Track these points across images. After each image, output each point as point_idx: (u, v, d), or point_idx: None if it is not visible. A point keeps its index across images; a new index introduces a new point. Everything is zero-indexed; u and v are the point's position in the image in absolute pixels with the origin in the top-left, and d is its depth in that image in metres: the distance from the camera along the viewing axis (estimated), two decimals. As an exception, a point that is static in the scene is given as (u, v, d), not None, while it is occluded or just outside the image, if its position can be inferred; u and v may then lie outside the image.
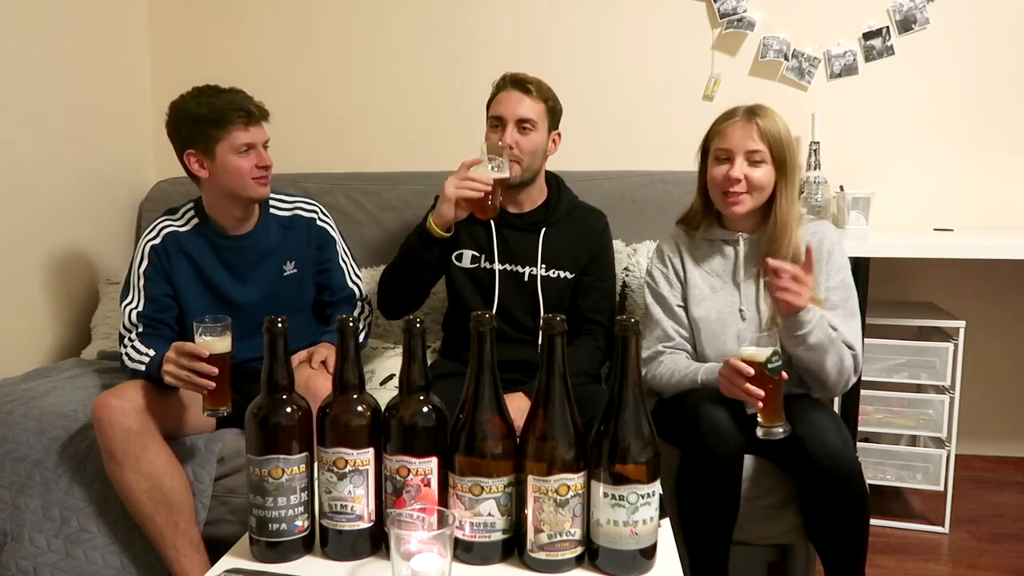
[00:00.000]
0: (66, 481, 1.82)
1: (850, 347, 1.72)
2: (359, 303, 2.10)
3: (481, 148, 1.87)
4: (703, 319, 1.83)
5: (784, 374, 1.52)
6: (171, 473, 1.75)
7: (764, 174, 1.74)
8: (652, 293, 1.90)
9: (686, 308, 1.86)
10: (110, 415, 1.71)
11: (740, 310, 1.81)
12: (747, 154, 1.73)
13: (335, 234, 2.09)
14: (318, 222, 2.05)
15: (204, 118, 1.83)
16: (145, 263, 1.93)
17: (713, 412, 1.63)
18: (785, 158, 1.74)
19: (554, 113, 2.01)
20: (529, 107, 1.95)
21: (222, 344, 1.60)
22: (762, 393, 1.51)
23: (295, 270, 2.00)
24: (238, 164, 1.85)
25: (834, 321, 1.71)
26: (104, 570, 1.78)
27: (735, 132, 1.75)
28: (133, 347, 1.85)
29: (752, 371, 1.51)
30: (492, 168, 1.83)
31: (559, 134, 2.05)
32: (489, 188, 1.82)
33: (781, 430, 1.52)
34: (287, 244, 2.00)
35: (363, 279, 2.16)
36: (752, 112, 1.75)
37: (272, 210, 2.01)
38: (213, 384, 1.60)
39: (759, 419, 1.55)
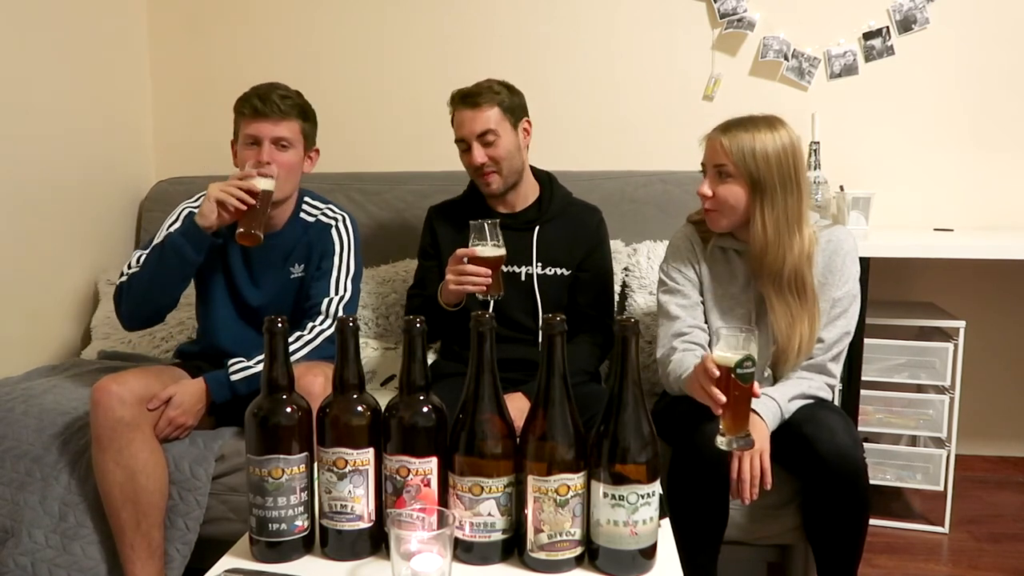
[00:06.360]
0: (65, 477, 1.82)
1: (829, 377, 1.74)
2: (322, 316, 1.91)
3: (472, 228, 1.75)
4: (716, 331, 1.76)
5: (756, 387, 1.37)
6: (149, 472, 1.73)
7: (727, 191, 1.66)
8: (667, 289, 1.82)
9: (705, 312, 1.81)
10: (107, 401, 1.70)
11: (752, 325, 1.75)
12: (714, 168, 1.68)
13: (341, 246, 1.98)
14: (332, 231, 1.99)
15: (234, 108, 1.93)
16: (179, 225, 1.90)
17: (703, 414, 1.62)
18: (760, 176, 1.63)
19: (512, 108, 1.95)
20: (483, 119, 1.91)
21: (267, 183, 1.79)
22: (723, 399, 1.37)
23: (301, 273, 1.97)
24: (242, 156, 1.90)
25: (830, 335, 1.72)
26: (100, 565, 1.78)
27: (708, 145, 1.71)
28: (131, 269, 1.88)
29: (718, 373, 1.37)
30: (490, 245, 1.73)
31: (528, 121, 2.01)
32: (489, 280, 1.75)
33: (740, 444, 1.39)
34: (300, 247, 1.97)
35: (350, 295, 1.97)
36: (727, 126, 1.68)
37: (302, 214, 2.00)
38: (254, 202, 1.75)
39: (720, 426, 1.41)
